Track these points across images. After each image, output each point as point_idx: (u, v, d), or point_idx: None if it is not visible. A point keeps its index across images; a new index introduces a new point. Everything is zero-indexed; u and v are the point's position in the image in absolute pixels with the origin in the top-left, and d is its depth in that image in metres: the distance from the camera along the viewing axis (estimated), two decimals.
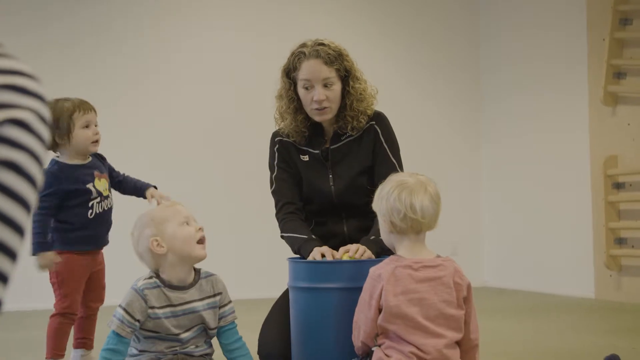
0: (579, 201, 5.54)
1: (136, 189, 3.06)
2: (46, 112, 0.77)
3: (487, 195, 6.68)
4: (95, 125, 2.89)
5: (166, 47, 5.90)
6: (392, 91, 5.91)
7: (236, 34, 6.08)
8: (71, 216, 2.82)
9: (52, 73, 5.38)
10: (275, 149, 2.79)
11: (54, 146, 2.85)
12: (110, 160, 3.08)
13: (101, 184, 2.89)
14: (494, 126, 6.61)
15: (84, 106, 2.85)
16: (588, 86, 5.49)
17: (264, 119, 5.67)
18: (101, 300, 3.00)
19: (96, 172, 2.90)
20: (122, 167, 3.04)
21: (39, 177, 0.76)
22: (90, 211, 2.84)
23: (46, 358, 2.82)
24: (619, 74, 5.27)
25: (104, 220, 2.91)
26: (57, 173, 2.80)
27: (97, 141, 2.89)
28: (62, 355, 2.84)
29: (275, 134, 2.82)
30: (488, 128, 6.67)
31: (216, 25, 6.05)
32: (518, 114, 6.28)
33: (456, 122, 6.72)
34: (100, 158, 3.01)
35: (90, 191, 2.84)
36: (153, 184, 3.07)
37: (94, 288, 2.94)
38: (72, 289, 2.84)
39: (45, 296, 4.93)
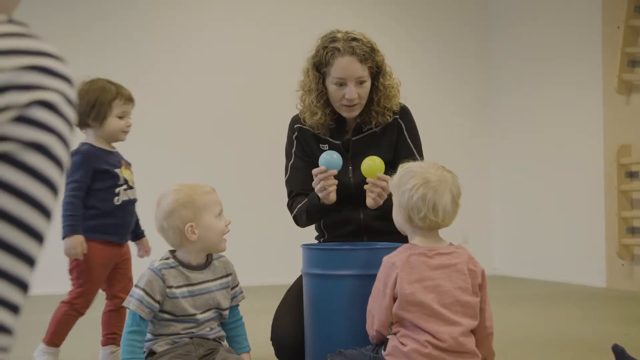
0: (592, 190, 5.52)
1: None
2: (72, 94, 0.77)
3: (497, 183, 6.67)
4: (129, 117, 2.86)
5: (167, 39, 5.88)
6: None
7: (238, 26, 6.04)
8: (96, 201, 2.73)
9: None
10: (294, 136, 2.74)
11: (83, 125, 2.80)
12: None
13: (127, 173, 2.84)
14: (505, 114, 6.58)
15: (125, 95, 2.80)
16: (602, 74, 5.45)
17: (272, 106, 5.69)
18: (128, 293, 2.93)
19: (123, 161, 2.86)
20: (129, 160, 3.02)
21: (65, 159, 0.76)
22: (117, 198, 2.77)
23: (42, 341, 2.76)
24: (633, 62, 5.23)
25: (129, 211, 2.84)
26: (88, 152, 2.74)
27: (127, 131, 2.85)
28: (57, 345, 2.77)
29: (294, 120, 2.76)
30: (500, 116, 6.64)
31: (218, 16, 6.02)
32: (531, 103, 6.25)
33: (467, 111, 6.70)
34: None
35: (118, 176, 2.78)
36: (144, 229, 3.02)
37: (120, 279, 2.87)
38: (90, 281, 2.74)
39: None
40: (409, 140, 2.65)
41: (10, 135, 0.71)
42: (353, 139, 2.67)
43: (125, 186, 2.80)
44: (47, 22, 5.53)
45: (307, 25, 6.17)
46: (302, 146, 2.72)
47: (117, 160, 2.83)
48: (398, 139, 2.67)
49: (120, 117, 2.80)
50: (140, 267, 2.48)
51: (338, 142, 2.68)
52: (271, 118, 5.51)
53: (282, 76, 6.28)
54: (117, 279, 2.86)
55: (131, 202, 2.85)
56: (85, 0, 5.71)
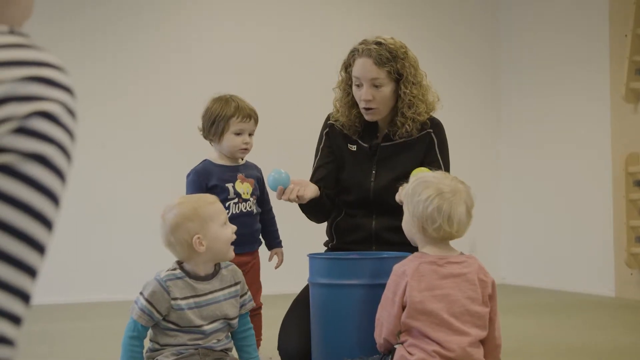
0: (600, 199, 5.49)
1: (266, 235, 2.98)
2: (73, 104, 0.76)
3: (505, 191, 6.64)
4: (250, 135, 2.84)
5: (175, 40, 5.86)
6: None
7: (243, 27, 6.02)
8: None
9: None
10: (325, 132, 2.80)
11: (207, 139, 2.84)
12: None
13: (243, 186, 2.82)
14: (513, 122, 6.56)
15: (243, 113, 2.79)
16: (610, 83, 5.43)
17: (277, 110, 5.68)
18: (257, 302, 2.84)
19: (240, 175, 2.83)
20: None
21: (67, 170, 0.76)
22: (227, 211, 2.72)
23: None
24: None
25: (243, 222, 2.73)
26: (201, 170, 2.78)
27: (245, 149, 2.83)
28: None
29: (329, 117, 2.82)
30: (507, 124, 6.63)
31: (226, 17, 6.01)
32: (538, 110, 6.23)
33: (475, 119, 6.68)
34: (257, 169, 2.95)
35: (227, 190, 2.77)
36: (280, 239, 3.01)
37: (249, 286, 2.89)
38: None
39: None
40: (439, 156, 2.66)
41: (10, 147, 0.70)
42: (382, 144, 2.70)
43: (236, 199, 2.79)
44: (56, 25, 5.54)
45: (313, 29, 6.18)
46: (330, 142, 2.77)
47: (231, 174, 2.82)
48: (428, 153, 2.68)
49: (238, 134, 2.80)
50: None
51: (366, 145, 2.71)
52: (276, 122, 5.50)
53: (287, 79, 6.30)
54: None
55: (244, 215, 2.80)
56: (93, 3, 5.72)
